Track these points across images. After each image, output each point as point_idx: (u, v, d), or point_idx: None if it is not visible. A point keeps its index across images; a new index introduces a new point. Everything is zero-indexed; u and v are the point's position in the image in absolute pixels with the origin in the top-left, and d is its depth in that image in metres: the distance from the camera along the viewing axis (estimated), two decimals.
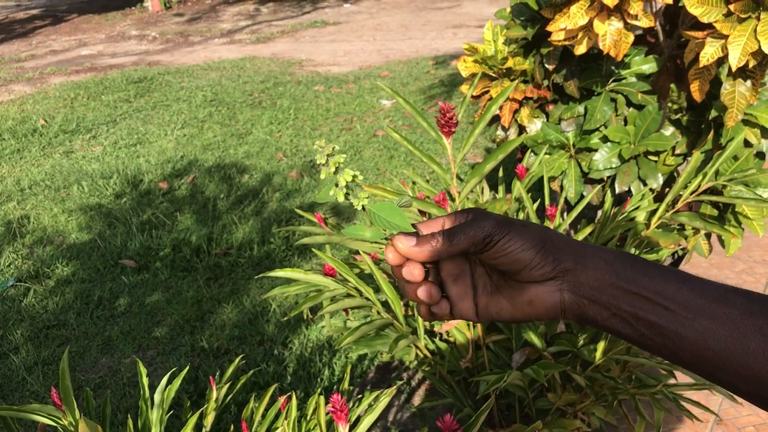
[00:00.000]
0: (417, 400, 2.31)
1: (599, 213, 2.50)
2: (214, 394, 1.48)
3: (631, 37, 1.92)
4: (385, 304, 1.85)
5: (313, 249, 1.83)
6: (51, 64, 8.24)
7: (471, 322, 1.89)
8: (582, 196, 2.29)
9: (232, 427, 1.41)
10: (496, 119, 2.49)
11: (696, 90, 1.86)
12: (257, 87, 6.50)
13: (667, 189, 2.31)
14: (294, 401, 1.35)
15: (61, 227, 3.68)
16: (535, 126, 2.37)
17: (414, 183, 2.28)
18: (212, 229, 3.54)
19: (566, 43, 2.03)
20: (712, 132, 2.09)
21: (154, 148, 4.89)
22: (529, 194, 1.98)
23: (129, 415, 1.25)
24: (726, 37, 1.62)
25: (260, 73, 7.10)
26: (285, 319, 1.68)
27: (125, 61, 8.31)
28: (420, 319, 1.91)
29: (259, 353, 2.58)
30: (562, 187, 2.33)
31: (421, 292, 0.57)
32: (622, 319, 0.51)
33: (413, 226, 0.59)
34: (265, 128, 5.26)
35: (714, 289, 0.49)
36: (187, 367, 1.42)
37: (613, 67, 2.26)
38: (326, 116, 5.53)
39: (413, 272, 0.56)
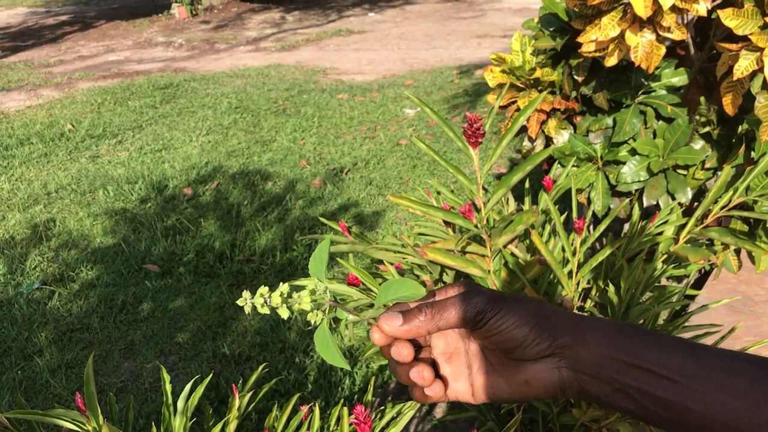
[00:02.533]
0: (439, 412, 2.29)
1: (626, 226, 2.47)
2: (237, 402, 1.48)
3: (663, 50, 1.90)
4: None
5: (336, 258, 1.82)
6: (79, 70, 8.35)
7: None
8: (609, 209, 2.26)
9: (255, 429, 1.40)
10: (522, 130, 2.47)
11: (729, 103, 1.83)
12: (282, 95, 6.53)
13: (695, 204, 2.27)
14: (317, 411, 1.34)
15: (86, 231, 3.71)
16: (562, 137, 2.35)
17: (438, 193, 2.27)
18: (235, 235, 3.55)
19: (596, 54, 2.01)
20: (743, 146, 2.06)
21: (179, 154, 4.93)
22: (556, 206, 1.96)
23: (153, 422, 1.25)
24: (762, 49, 1.60)
25: (285, 81, 7.14)
26: (309, 328, 1.67)
27: (152, 67, 8.40)
28: None
29: (281, 361, 2.57)
30: (589, 200, 2.31)
31: (414, 374, 0.54)
32: (625, 394, 0.49)
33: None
34: (289, 136, 5.28)
35: (720, 358, 0.47)
36: (210, 375, 1.41)
37: (642, 80, 2.24)
38: (350, 124, 5.54)
39: (402, 352, 0.54)
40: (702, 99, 2.23)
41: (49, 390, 2.49)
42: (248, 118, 5.79)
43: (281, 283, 0.53)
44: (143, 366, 2.62)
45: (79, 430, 1.30)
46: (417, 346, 0.58)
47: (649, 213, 2.30)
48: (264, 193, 4.14)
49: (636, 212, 1.87)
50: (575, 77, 2.20)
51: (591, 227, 2.41)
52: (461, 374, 0.57)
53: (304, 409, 1.47)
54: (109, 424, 1.17)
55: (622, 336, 0.50)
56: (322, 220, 2.06)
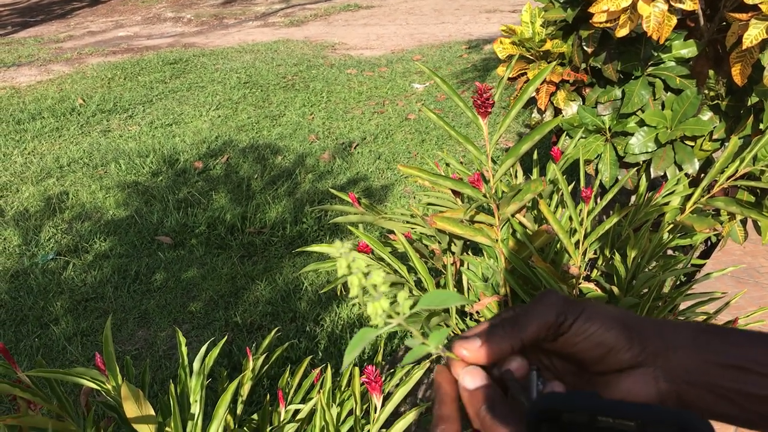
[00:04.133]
0: None
1: (633, 198, 2.49)
2: (251, 365, 1.52)
3: (674, 20, 1.91)
4: (418, 283, 1.87)
5: (349, 227, 1.85)
6: (88, 45, 8.36)
7: (502, 302, 1.91)
8: (617, 180, 2.28)
9: (268, 396, 1.45)
10: (532, 102, 2.48)
11: (737, 73, 1.84)
12: (290, 70, 6.53)
13: (702, 175, 2.29)
14: (329, 372, 1.38)
15: (99, 204, 3.76)
16: (571, 109, 2.36)
17: (447, 165, 2.30)
18: (246, 208, 3.59)
19: (607, 25, 2.02)
20: (751, 117, 2.07)
21: (190, 129, 4.96)
22: (564, 177, 1.98)
23: (172, 381, 1.29)
24: None
25: (293, 56, 7.13)
26: (323, 291, 1.71)
27: (161, 42, 8.40)
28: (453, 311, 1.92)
29: (292, 329, 2.62)
30: (597, 171, 2.32)
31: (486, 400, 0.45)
32: (727, 399, 0.44)
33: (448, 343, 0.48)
34: (298, 110, 5.30)
35: None
36: (225, 338, 1.46)
37: (652, 51, 2.24)
38: (358, 99, 5.54)
39: (474, 377, 0.45)
40: (711, 73, 2.23)
41: (65, 357, 2.55)
42: (257, 93, 5.81)
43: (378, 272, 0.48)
44: (157, 334, 2.67)
45: (98, 388, 1.34)
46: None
47: (656, 184, 2.32)
48: (274, 166, 4.17)
49: (643, 183, 1.89)
50: (585, 49, 2.21)
51: (598, 198, 2.43)
52: None
53: (316, 371, 1.52)
54: (128, 383, 1.21)
55: (705, 335, 0.45)
56: (333, 191, 2.09)
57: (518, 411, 0.41)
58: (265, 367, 1.57)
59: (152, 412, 1.27)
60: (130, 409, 1.23)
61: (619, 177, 2.30)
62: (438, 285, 2.02)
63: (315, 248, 1.61)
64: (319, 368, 1.49)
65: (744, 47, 1.69)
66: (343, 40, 8.04)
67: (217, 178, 4.02)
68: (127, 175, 4.11)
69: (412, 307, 0.45)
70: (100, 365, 1.36)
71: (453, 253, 1.98)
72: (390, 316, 0.44)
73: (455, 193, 2.06)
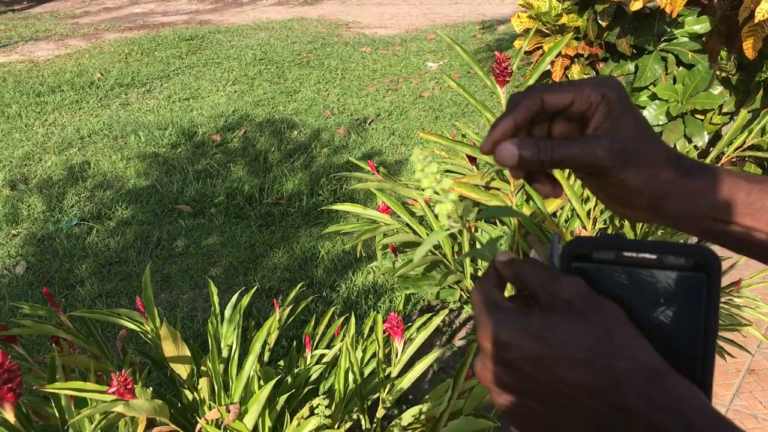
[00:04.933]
0: (459, 342, 2.42)
1: None
2: (278, 314, 1.61)
3: None
4: (438, 247, 1.95)
5: (372, 189, 1.92)
6: (105, 21, 8.43)
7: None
8: None
9: (294, 343, 1.53)
10: (546, 75, 2.54)
11: (749, 47, 1.90)
12: (305, 47, 6.59)
13: (711, 148, 2.35)
14: (353, 320, 1.46)
15: (120, 173, 3.85)
16: None
17: (464, 135, 2.37)
18: (264, 180, 3.67)
19: (622, 0, 2.08)
20: (761, 91, 2.13)
21: (207, 103, 5.03)
22: None
23: (210, 324, 1.38)
24: None
25: (308, 34, 7.18)
26: (348, 246, 1.79)
27: (176, 19, 8.46)
28: (467, 261, 2.01)
29: (308, 295, 2.71)
30: None
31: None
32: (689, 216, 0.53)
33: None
34: (313, 87, 5.36)
35: None
36: (256, 286, 1.54)
37: (665, 27, 2.30)
38: (372, 77, 5.60)
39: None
40: (723, 53, 2.29)
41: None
42: (273, 69, 5.87)
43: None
44: (179, 297, 2.76)
45: (138, 329, 1.43)
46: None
47: None
48: (290, 140, 4.25)
49: None
50: (600, 23, 2.27)
51: None
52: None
53: (339, 321, 1.60)
54: (167, 325, 1.30)
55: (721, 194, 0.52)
56: (353, 160, 2.17)
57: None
58: (291, 318, 1.66)
59: (188, 353, 1.36)
60: (169, 349, 1.32)
61: None
62: (453, 249, 2.10)
63: (340, 207, 1.70)
64: (341, 319, 1.58)
65: (756, 21, 1.75)
66: (357, 18, 8.07)
67: (234, 151, 4.11)
68: (147, 147, 4.19)
69: (478, 215, 0.52)
70: (140, 308, 1.45)
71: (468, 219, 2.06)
72: (455, 222, 0.51)
73: (471, 160, 2.13)
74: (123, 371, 1.09)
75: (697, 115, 2.26)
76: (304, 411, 1.26)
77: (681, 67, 2.30)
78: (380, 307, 2.63)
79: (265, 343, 1.63)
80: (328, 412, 1.02)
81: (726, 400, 2.06)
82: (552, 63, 2.42)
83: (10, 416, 1.02)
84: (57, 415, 1.11)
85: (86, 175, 3.83)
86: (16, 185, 3.73)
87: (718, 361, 2.07)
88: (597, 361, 0.41)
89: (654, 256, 0.43)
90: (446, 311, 1.43)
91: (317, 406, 1.03)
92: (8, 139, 4.39)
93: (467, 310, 2.42)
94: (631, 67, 2.34)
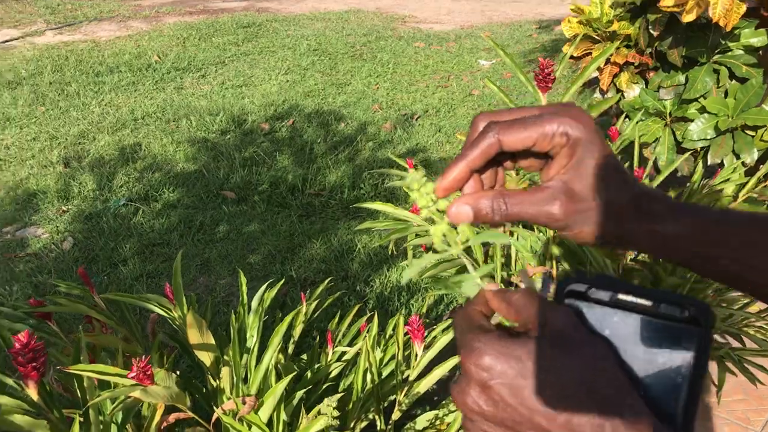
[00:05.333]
0: None
1: (687, 186, 2.49)
2: (304, 308, 1.63)
3: (743, 8, 1.91)
4: (467, 250, 1.94)
5: (405, 189, 1.92)
6: (166, 4, 8.59)
7: (547, 273, 1.97)
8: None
9: (318, 338, 1.55)
10: (594, 82, 2.50)
11: None
12: (359, 39, 6.61)
13: (760, 165, 2.28)
14: (375, 320, 1.47)
15: (169, 156, 3.93)
16: (633, 92, 2.38)
17: None
18: (307, 170, 3.71)
19: (675, 9, 2.03)
20: None
21: (259, 91, 5.10)
22: (620, 157, 2.02)
23: (233, 314, 1.41)
24: None
25: (363, 27, 7.20)
26: (379, 243, 1.80)
27: (235, 6, 8.57)
28: (499, 266, 2.00)
29: (342, 288, 2.73)
30: (655, 159, 2.34)
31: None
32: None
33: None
34: (364, 80, 5.38)
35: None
36: (282, 280, 1.57)
37: (720, 39, 2.24)
38: (424, 72, 5.59)
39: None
40: None
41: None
42: (326, 60, 5.91)
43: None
44: (217, 282, 2.82)
45: (166, 315, 1.47)
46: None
47: (712, 172, 2.32)
48: (336, 132, 4.28)
49: (699, 170, 1.91)
50: (651, 32, 2.22)
51: (649, 180, 2.44)
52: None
53: (363, 319, 1.62)
54: (194, 312, 1.33)
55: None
56: (393, 157, 2.17)
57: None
58: (317, 313, 1.68)
59: (213, 342, 1.39)
60: (193, 336, 1.35)
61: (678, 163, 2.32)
62: (486, 254, 2.10)
63: (371, 205, 1.70)
64: (366, 316, 1.59)
65: None
66: (414, 13, 8.06)
67: (281, 140, 4.15)
68: (197, 132, 4.28)
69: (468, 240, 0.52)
70: (169, 294, 1.48)
71: (504, 224, 2.05)
72: (449, 245, 0.51)
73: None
74: (144, 357, 1.12)
75: (748, 131, 2.20)
76: (321, 408, 1.28)
77: (734, 81, 2.23)
78: (412, 305, 2.63)
79: (290, 336, 1.65)
80: (336, 413, 1.03)
81: (758, 426, 2.00)
82: (600, 70, 2.38)
83: (33, 393, 1.07)
84: (79, 395, 1.14)
85: (137, 157, 3.93)
86: (69, 162, 3.85)
87: (751, 388, 2.02)
88: (581, 399, 0.40)
89: (649, 303, 0.43)
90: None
91: (326, 407, 1.04)
92: (66, 117, 4.53)
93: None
94: (681, 78, 2.28)
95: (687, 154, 1.91)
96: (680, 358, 0.42)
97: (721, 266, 0.51)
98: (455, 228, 0.50)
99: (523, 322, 0.45)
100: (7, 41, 6.47)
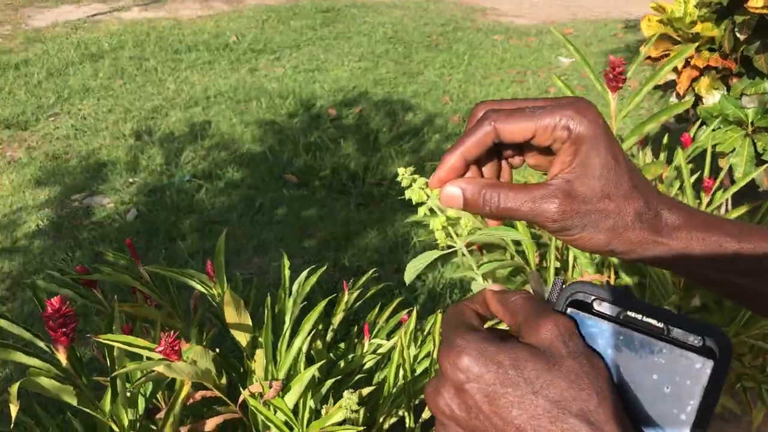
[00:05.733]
0: None
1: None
2: (345, 297, 1.61)
3: None
4: (521, 253, 1.87)
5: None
6: None
7: (605, 282, 1.88)
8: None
9: (355, 328, 1.53)
10: (671, 85, 2.38)
11: None
12: (436, 29, 6.54)
13: None
14: (414, 315, 1.43)
15: (236, 136, 3.98)
16: (713, 98, 2.25)
17: None
18: (370, 159, 3.69)
19: (765, 11, 1.90)
20: None
21: (330, 77, 5.11)
22: (690, 165, 1.91)
23: (269, 296, 1.40)
24: None
25: (442, 16, 7.12)
26: (421, 239, 1.75)
27: None
28: (551, 269, 1.92)
29: (394, 280, 2.70)
30: (731, 169, 2.21)
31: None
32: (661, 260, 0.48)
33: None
34: (437, 70, 5.32)
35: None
36: (324, 267, 1.54)
37: None
38: (499, 66, 5.48)
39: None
40: None
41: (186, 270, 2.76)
42: (400, 49, 5.87)
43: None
44: (270, 264, 2.83)
45: (205, 291, 1.47)
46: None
47: None
48: (403, 123, 4.24)
49: None
50: (738, 35, 2.09)
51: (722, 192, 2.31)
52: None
53: (403, 312, 1.58)
54: (231, 291, 1.32)
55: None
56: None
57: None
58: (358, 303, 1.65)
59: (249, 322, 1.37)
60: (230, 315, 1.34)
61: (755, 177, 2.18)
62: (542, 257, 2.02)
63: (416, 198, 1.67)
64: (406, 310, 1.55)
65: None
66: (495, 5, 7.92)
67: (347, 127, 4.15)
68: (266, 114, 4.31)
69: (471, 233, 0.49)
70: (210, 272, 1.48)
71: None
72: (454, 241, 0.47)
73: None
74: (173, 332, 1.11)
75: None
76: (343, 400, 1.25)
77: None
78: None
79: (330, 323, 1.63)
80: (355, 407, 1.00)
81: None
82: (678, 73, 2.25)
83: (62, 358, 1.07)
84: (108, 364, 1.15)
85: (205, 135, 3.99)
86: (141, 136, 3.94)
87: None
88: (560, 418, 0.36)
89: (660, 325, 0.38)
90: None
91: (347, 400, 1.01)
92: (141, 92, 4.64)
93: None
94: (767, 86, 2.14)
95: (766, 166, 1.79)
96: (688, 390, 0.37)
97: (733, 289, 0.47)
98: (458, 222, 0.46)
99: (516, 326, 0.41)
100: (94, 15, 6.69)
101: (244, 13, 6.97)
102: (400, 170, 0.47)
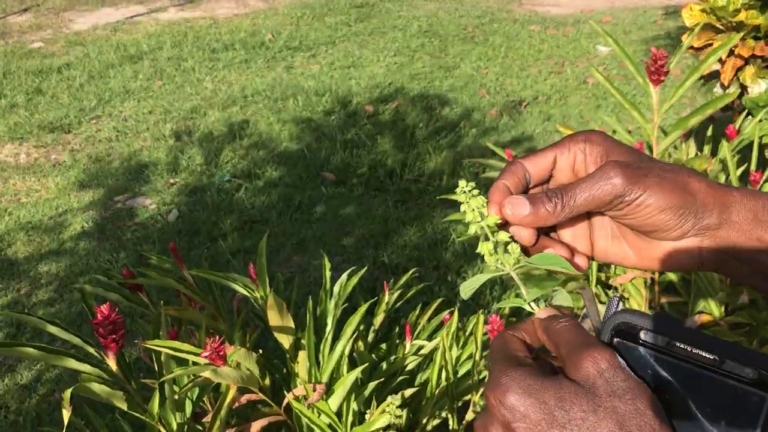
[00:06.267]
0: None
1: None
2: (386, 298, 1.61)
3: None
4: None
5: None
6: None
7: (648, 280, 1.85)
8: None
9: (396, 328, 1.53)
10: (714, 76, 2.33)
11: None
12: (472, 21, 6.49)
13: None
14: (456, 315, 1.43)
15: (274, 135, 4.01)
16: (759, 87, 2.19)
17: (614, 131, 2.23)
18: (407, 155, 3.68)
19: None
20: None
21: (366, 72, 5.11)
22: (736, 158, 1.86)
23: (311, 299, 1.40)
24: None
25: (477, 8, 7.07)
26: (460, 239, 1.74)
27: None
28: (594, 269, 1.90)
29: (433, 277, 2.69)
30: None
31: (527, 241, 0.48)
32: (763, 275, 0.45)
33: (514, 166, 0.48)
34: (473, 63, 5.28)
35: None
36: (365, 268, 1.55)
37: None
38: (537, 57, 5.42)
39: (522, 235, 0.47)
40: None
41: (228, 270, 2.79)
42: (435, 42, 5.84)
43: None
44: (310, 262, 2.85)
45: (248, 294, 1.48)
46: None
47: None
48: (440, 117, 4.22)
49: None
50: None
51: None
52: (583, 235, 0.51)
53: (445, 313, 1.57)
54: (274, 294, 1.33)
55: None
56: (491, 146, 2.10)
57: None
58: (399, 303, 1.65)
59: (292, 325, 1.38)
60: (273, 318, 1.35)
61: None
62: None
63: (455, 197, 1.66)
64: (448, 310, 1.55)
65: None
66: None
67: (384, 123, 4.14)
68: (303, 111, 4.34)
69: (518, 261, 0.47)
70: (252, 275, 1.50)
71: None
72: (503, 264, 0.47)
73: None
74: (219, 337, 1.13)
75: None
76: (393, 400, 1.25)
77: None
78: (504, 299, 2.56)
79: (371, 323, 1.63)
80: (398, 412, 1.00)
81: None
82: (722, 63, 2.20)
83: (112, 364, 1.10)
84: (156, 368, 1.17)
85: (243, 134, 4.03)
86: (180, 136, 4.00)
87: None
88: None
89: (712, 357, 0.36)
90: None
91: (390, 405, 1.01)
92: (180, 92, 4.71)
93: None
94: None
95: None
96: (744, 425, 0.35)
97: None
98: (506, 248, 0.46)
99: (561, 358, 0.40)
100: (133, 17, 6.80)
101: (279, 10, 7.01)
102: (461, 183, 0.47)
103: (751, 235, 0.45)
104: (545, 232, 0.50)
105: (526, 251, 0.48)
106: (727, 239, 0.45)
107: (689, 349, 0.37)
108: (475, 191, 0.47)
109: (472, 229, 0.46)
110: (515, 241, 0.46)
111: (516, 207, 0.46)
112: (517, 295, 0.48)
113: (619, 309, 0.41)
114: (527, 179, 0.48)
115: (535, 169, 0.48)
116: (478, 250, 0.46)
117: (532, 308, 0.45)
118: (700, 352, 0.36)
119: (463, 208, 0.46)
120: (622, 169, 0.44)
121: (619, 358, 0.38)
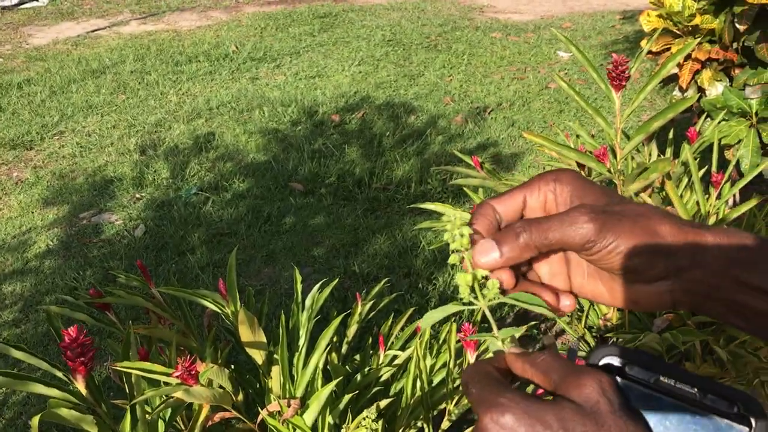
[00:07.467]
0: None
1: None
2: (359, 309, 1.61)
3: None
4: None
5: (466, 190, 1.88)
6: None
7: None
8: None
9: (369, 339, 1.53)
10: (673, 79, 2.38)
11: None
12: (435, 30, 6.54)
13: None
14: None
15: (241, 146, 3.99)
16: (716, 90, 2.24)
17: (578, 136, 2.26)
18: (375, 163, 3.69)
19: (764, 2, 1.90)
20: None
21: (331, 82, 5.11)
22: (697, 160, 1.90)
23: (283, 313, 1.40)
24: None
25: (440, 17, 7.12)
26: (432, 247, 1.74)
27: None
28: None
29: (405, 284, 2.70)
30: (738, 161, 2.20)
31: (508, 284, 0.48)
32: (738, 314, 0.45)
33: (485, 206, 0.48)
34: (437, 71, 5.32)
35: None
36: (336, 279, 1.54)
37: None
38: (499, 64, 5.48)
39: (501, 277, 0.48)
40: None
41: (197, 284, 2.77)
42: (399, 51, 5.87)
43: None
44: (281, 273, 2.84)
45: (219, 311, 1.47)
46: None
47: None
48: (406, 125, 4.24)
49: None
50: (737, 26, 2.08)
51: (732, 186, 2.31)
52: (560, 272, 0.51)
53: (418, 322, 1.58)
54: (245, 309, 1.32)
55: (747, 252, 0.44)
56: (458, 154, 2.12)
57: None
58: (372, 313, 1.65)
59: (264, 339, 1.38)
60: (245, 334, 1.34)
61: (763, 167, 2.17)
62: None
63: (429, 206, 1.66)
64: (420, 319, 1.55)
65: None
66: (492, 2, 7.91)
67: (351, 133, 4.15)
68: (269, 122, 4.32)
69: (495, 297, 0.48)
70: (222, 290, 1.49)
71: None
72: (476, 297, 0.47)
73: (580, 166, 2.03)
74: (190, 356, 1.12)
75: None
76: (369, 414, 1.25)
77: None
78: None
79: (344, 335, 1.63)
80: (374, 425, 1.00)
81: None
82: (680, 67, 2.25)
83: (81, 387, 1.08)
84: (127, 390, 1.15)
85: (209, 146, 4.00)
86: (145, 150, 3.95)
87: None
88: None
89: (694, 391, 0.38)
90: (524, 328, 1.37)
91: (365, 419, 1.01)
92: (144, 105, 4.66)
93: (561, 322, 2.32)
94: None
95: None
96: None
97: None
98: (485, 282, 0.46)
99: (551, 384, 0.41)
100: (94, 31, 6.72)
101: (243, 22, 6.98)
102: (449, 212, 0.46)
103: (725, 275, 0.44)
104: (524, 272, 0.50)
105: (503, 291, 0.48)
106: (701, 280, 0.45)
107: (673, 383, 0.38)
108: (460, 219, 0.47)
109: (455, 258, 0.46)
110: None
111: (485, 254, 0.47)
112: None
113: (576, 355, 0.43)
114: (498, 221, 0.48)
115: (505, 210, 0.48)
116: (456, 280, 0.46)
117: (502, 344, 0.46)
118: (683, 387, 0.38)
119: (446, 237, 0.47)
120: (592, 215, 0.44)
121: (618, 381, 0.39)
